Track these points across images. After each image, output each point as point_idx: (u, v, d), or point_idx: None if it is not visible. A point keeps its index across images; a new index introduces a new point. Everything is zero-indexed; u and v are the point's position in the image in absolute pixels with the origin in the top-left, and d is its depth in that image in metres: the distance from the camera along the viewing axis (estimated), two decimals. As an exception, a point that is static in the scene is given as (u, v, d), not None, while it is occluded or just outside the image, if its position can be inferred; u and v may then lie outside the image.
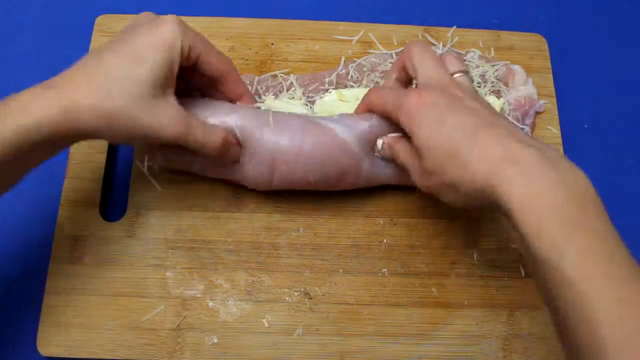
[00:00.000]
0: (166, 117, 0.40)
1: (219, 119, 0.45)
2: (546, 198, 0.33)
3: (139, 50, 0.39)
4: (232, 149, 0.45)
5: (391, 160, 0.47)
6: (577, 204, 0.33)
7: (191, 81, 0.46)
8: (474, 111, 0.39)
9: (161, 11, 0.57)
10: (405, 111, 0.41)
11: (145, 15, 0.43)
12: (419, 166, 0.41)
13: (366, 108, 0.47)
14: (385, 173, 0.48)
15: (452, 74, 0.43)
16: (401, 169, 0.46)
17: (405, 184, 0.48)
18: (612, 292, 0.30)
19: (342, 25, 0.57)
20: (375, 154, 0.47)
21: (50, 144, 0.38)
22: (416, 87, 0.44)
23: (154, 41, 0.40)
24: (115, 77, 0.38)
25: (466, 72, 0.44)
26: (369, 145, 0.47)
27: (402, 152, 0.44)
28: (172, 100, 0.41)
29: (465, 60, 0.54)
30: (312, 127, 0.46)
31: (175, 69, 0.41)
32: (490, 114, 0.40)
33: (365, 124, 0.46)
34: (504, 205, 0.34)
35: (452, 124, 0.38)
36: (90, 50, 0.40)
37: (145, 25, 0.41)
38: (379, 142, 0.46)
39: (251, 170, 0.46)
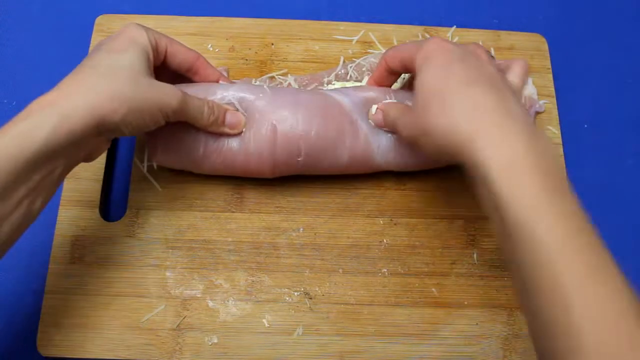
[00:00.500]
0: (166, 88, 0.42)
1: (217, 96, 0.46)
2: (523, 163, 0.34)
3: (114, 47, 0.41)
4: (232, 115, 0.46)
5: (382, 125, 0.47)
6: (550, 172, 0.34)
7: (165, 81, 0.46)
8: (480, 68, 0.40)
9: (161, 11, 0.58)
10: (423, 53, 0.41)
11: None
12: (406, 116, 0.43)
13: (380, 71, 0.47)
14: (383, 145, 0.48)
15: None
16: (391, 131, 0.47)
17: (405, 169, 0.49)
18: (582, 258, 0.32)
19: (342, 25, 0.57)
20: (369, 119, 0.48)
21: (80, 144, 0.38)
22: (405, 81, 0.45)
23: (125, 38, 0.42)
24: (104, 71, 0.40)
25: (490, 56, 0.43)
26: (364, 110, 0.48)
27: (394, 110, 0.45)
28: (161, 80, 0.43)
29: None
30: (306, 91, 0.49)
31: (151, 57, 0.43)
32: (495, 77, 0.39)
33: (361, 94, 0.48)
34: (481, 167, 0.35)
35: (455, 69, 0.39)
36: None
37: (113, 35, 0.43)
38: (373, 107, 0.47)
39: (253, 143, 0.46)
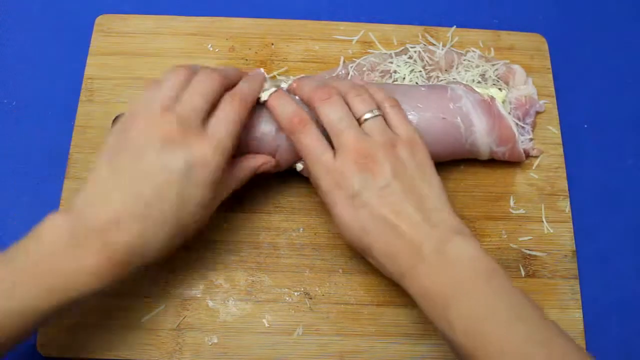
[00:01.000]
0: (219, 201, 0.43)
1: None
2: (432, 290, 0.38)
3: (184, 195, 0.39)
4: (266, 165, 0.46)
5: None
6: (456, 281, 0.38)
7: None
8: (382, 199, 0.40)
9: (161, 11, 0.58)
10: (321, 193, 0.43)
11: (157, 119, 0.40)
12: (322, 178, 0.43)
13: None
14: None
15: (359, 119, 0.43)
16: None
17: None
18: (492, 341, 0.35)
19: (342, 25, 0.57)
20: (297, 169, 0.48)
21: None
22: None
23: (196, 178, 0.39)
24: (157, 221, 0.38)
25: (373, 114, 0.43)
26: None
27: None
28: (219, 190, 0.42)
29: (464, 59, 0.54)
30: None
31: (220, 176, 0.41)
32: (398, 195, 0.40)
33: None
34: (413, 298, 0.40)
35: (361, 221, 0.40)
36: (107, 155, 0.40)
37: (178, 151, 0.39)
38: (299, 165, 0.47)
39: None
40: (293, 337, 0.46)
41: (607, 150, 0.55)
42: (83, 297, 0.36)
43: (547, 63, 0.56)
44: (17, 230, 0.50)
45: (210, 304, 0.47)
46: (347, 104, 0.43)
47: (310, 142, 0.43)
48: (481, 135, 0.48)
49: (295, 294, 0.47)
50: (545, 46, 0.57)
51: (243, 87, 0.44)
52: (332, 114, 0.42)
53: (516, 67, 0.54)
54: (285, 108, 0.44)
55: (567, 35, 0.60)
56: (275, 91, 0.45)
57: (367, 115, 0.43)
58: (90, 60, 0.54)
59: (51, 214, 0.37)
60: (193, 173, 0.39)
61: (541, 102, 0.54)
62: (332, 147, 0.42)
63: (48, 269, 0.36)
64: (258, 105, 0.45)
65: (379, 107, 0.44)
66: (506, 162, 0.51)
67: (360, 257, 0.48)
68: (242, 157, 0.45)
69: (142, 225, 0.37)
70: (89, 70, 0.54)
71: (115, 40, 0.55)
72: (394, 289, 0.48)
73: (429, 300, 0.38)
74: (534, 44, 0.57)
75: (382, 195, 0.40)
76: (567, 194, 0.52)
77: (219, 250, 0.48)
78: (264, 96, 0.45)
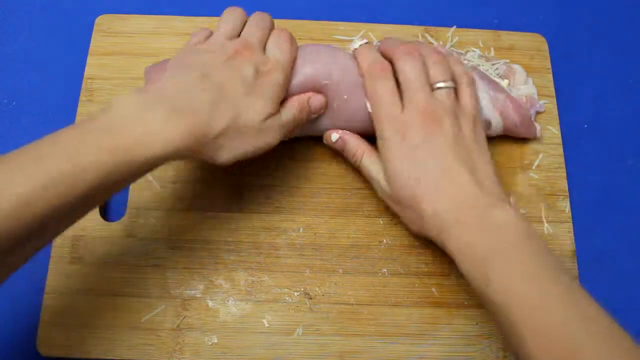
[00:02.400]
0: (274, 128, 0.44)
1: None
2: (474, 247, 0.40)
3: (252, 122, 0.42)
4: (314, 100, 0.47)
5: (339, 151, 0.49)
6: (499, 242, 0.39)
7: None
8: (441, 156, 0.43)
9: (161, 11, 0.58)
10: (382, 142, 0.45)
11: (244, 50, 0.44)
12: (383, 184, 0.46)
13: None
14: None
15: (433, 85, 0.45)
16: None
17: None
18: (529, 301, 0.36)
19: (342, 25, 0.57)
20: (325, 141, 0.49)
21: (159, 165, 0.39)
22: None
23: (263, 111, 0.42)
24: (222, 104, 0.40)
25: (448, 85, 0.45)
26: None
27: (360, 151, 0.48)
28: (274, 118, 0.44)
29: (465, 59, 0.54)
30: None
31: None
32: (455, 157, 0.42)
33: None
34: (450, 254, 0.41)
35: (418, 170, 0.43)
36: (169, 75, 0.42)
37: (253, 56, 0.43)
38: (334, 135, 0.48)
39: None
40: (293, 337, 0.46)
41: (607, 150, 0.55)
42: (148, 163, 0.36)
43: (547, 63, 0.56)
44: (17, 230, 0.50)
45: (210, 304, 0.47)
46: (425, 64, 0.46)
47: (385, 89, 0.45)
48: (487, 103, 0.49)
49: (295, 294, 0.47)
50: (545, 46, 0.57)
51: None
52: (410, 70, 0.45)
53: (516, 66, 0.54)
54: (371, 55, 0.47)
55: (567, 35, 0.60)
56: (366, 43, 0.49)
57: (441, 84, 0.45)
58: (90, 60, 0.54)
59: (123, 94, 0.38)
60: (260, 77, 0.42)
61: (541, 102, 0.54)
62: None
63: (115, 128, 0.36)
64: None
65: (453, 79, 0.46)
66: (510, 166, 0.51)
67: (360, 257, 0.48)
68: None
69: (209, 101, 0.39)
70: (89, 70, 0.54)
71: (115, 40, 0.55)
72: (394, 289, 0.48)
73: (468, 256, 0.40)
74: (534, 44, 0.57)
75: (439, 155, 0.43)
76: (567, 194, 0.52)
77: (219, 250, 0.48)
78: (354, 45, 0.49)
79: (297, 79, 0.46)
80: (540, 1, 0.61)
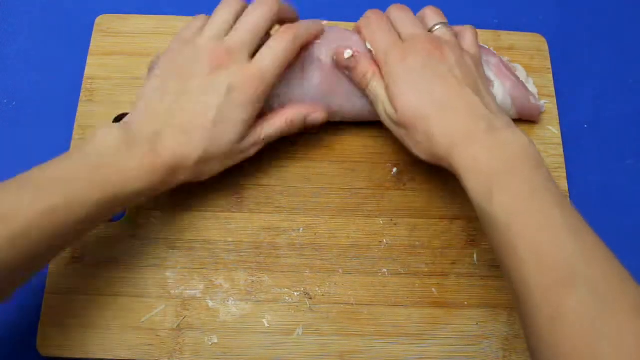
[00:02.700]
0: (247, 144, 0.45)
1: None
2: (481, 162, 0.40)
3: (225, 112, 0.43)
4: (312, 119, 0.48)
5: (343, 70, 0.48)
6: (507, 160, 0.39)
7: None
8: (446, 77, 0.43)
9: (161, 11, 0.58)
10: (386, 68, 0.45)
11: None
12: (388, 108, 0.45)
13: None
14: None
15: (431, 28, 0.47)
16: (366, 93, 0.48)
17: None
18: (530, 220, 0.36)
19: (342, 25, 0.56)
20: (334, 57, 0.48)
21: (139, 200, 0.43)
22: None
23: (238, 101, 0.43)
24: (208, 138, 0.43)
25: (445, 24, 0.47)
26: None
27: (370, 74, 0.47)
28: (252, 130, 0.45)
29: None
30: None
31: (258, 111, 0.45)
32: (460, 80, 0.43)
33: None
34: (456, 171, 0.41)
35: (423, 90, 0.43)
36: (160, 77, 0.45)
37: (225, 77, 0.43)
38: (347, 52, 0.47)
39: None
40: (293, 337, 0.46)
41: (607, 150, 0.55)
42: (133, 195, 0.40)
43: (547, 63, 0.56)
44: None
45: (210, 304, 0.47)
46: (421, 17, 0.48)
47: (383, 27, 0.47)
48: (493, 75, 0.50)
49: (295, 294, 0.47)
50: (545, 46, 0.57)
51: (300, 26, 0.47)
52: (405, 16, 0.47)
53: (517, 65, 0.54)
54: (367, 13, 0.49)
55: (567, 35, 0.60)
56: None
57: (438, 26, 0.47)
58: (90, 60, 0.54)
59: (103, 126, 0.41)
60: (233, 94, 0.43)
61: (542, 102, 0.54)
62: None
63: (102, 164, 0.39)
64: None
65: (456, 34, 0.48)
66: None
67: (360, 257, 0.48)
68: (286, 108, 0.48)
69: (185, 135, 0.42)
70: (89, 70, 0.54)
71: (115, 40, 0.55)
72: (394, 289, 0.48)
73: (474, 171, 0.40)
74: (534, 44, 0.57)
75: (443, 77, 0.43)
76: (567, 194, 0.52)
77: (219, 250, 0.48)
78: None
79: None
80: (540, 1, 0.61)
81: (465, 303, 0.48)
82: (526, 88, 0.52)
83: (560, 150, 0.53)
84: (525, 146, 0.40)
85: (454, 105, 0.42)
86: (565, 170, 0.52)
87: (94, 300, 0.46)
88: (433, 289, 0.48)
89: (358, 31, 0.49)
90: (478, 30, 0.57)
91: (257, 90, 0.43)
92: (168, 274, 0.48)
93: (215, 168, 0.45)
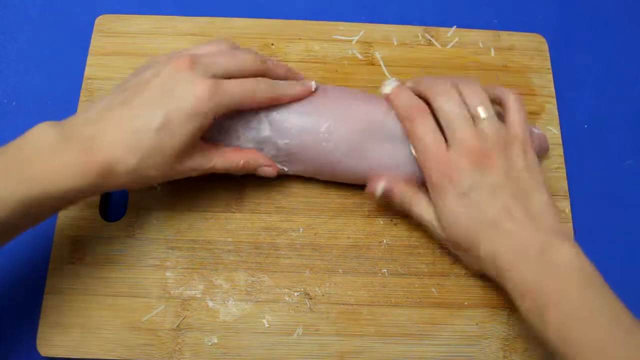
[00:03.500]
0: (193, 163, 0.43)
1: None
2: (533, 286, 0.39)
3: (171, 118, 0.40)
4: (264, 171, 0.47)
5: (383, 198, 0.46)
6: (559, 282, 0.38)
7: None
8: (495, 193, 0.42)
9: (161, 11, 0.58)
10: (431, 184, 0.44)
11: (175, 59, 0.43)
12: (436, 227, 0.45)
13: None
14: None
15: (474, 116, 0.44)
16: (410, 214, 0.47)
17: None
18: (585, 349, 0.36)
19: (342, 25, 0.57)
20: (368, 192, 0.46)
21: (74, 201, 0.41)
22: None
23: (186, 109, 0.41)
24: (147, 145, 0.40)
25: (490, 116, 0.43)
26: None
27: (417, 209, 0.46)
28: (197, 148, 0.43)
29: None
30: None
31: (205, 129, 0.42)
32: (509, 192, 0.42)
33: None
34: (509, 293, 0.41)
35: (472, 213, 0.42)
36: (116, 91, 0.43)
37: (180, 83, 0.41)
38: (379, 185, 0.46)
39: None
40: (293, 337, 0.46)
41: (607, 150, 0.55)
42: (62, 194, 0.38)
43: (547, 63, 0.56)
44: (17, 230, 0.50)
45: (210, 304, 0.47)
46: (463, 97, 0.44)
47: (426, 131, 0.43)
48: None
49: (295, 294, 0.47)
50: (545, 46, 0.57)
51: (279, 84, 0.45)
52: (450, 108, 0.43)
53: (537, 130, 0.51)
54: (405, 97, 0.45)
55: (567, 35, 0.60)
56: (398, 85, 0.46)
57: (483, 115, 0.43)
58: (90, 60, 0.54)
59: (42, 123, 0.39)
60: (184, 103, 0.40)
61: (541, 102, 0.54)
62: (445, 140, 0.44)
63: (31, 160, 0.37)
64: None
65: (498, 101, 0.45)
66: None
67: (360, 257, 0.48)
68: (246, 149, 0.46)
69: (123, 139, 0.39)
70: (89, 70, 0.54)
71: (115, 41, 0.55)
72: (394, 289, 0.48)
73: (526, 299, 0.39)
74: (534, 44, 0.57)
75: (492, 195, 0.41)
76: (567, 194, 0.52)
77: (219, 250, 0.48)
78: (385, 89, 0.46)
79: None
80: (540, 1, 0.61)
81: (465, 303, 0.48)
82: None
83: (560, 150, 0.53)
84: (574, 263, 0.39)
85: (501, 228, 0.41)
86: (565, 170, 0.52)
87: (94, 300, 0.46)
88: (433, 289, 0.48)
89: (402, 122, 0.45)
90: (478, 30, 0.57)
91: (209, 102, 0.41)
92: (168, 274, 0.48)
93: (154, 176, 0.42)
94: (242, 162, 0.45)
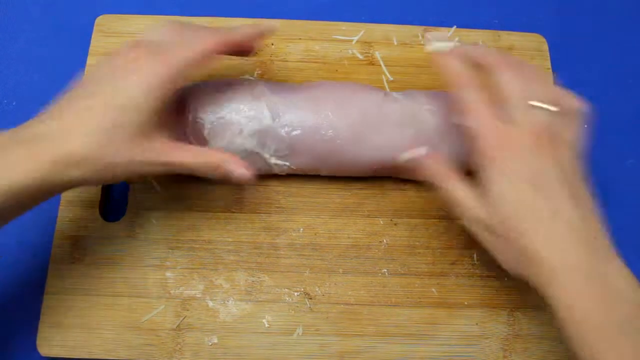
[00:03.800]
0: (155, 151, 0.40)
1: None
2: (583, 316, 0.35)
3: (126, 94, 0.39)
4: (239, 175, 0.43)
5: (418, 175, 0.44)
6: (610, 310, 0.35)
7: None
8: (555, 185, 0.38)
9: (161, 11, 0.58)
10: (482, 148, 0.39)
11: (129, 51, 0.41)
12: (477, 207, 0.40)
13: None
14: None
15: (533, 103, 0.40)
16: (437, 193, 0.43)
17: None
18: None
19: (342, 25, 0.57)
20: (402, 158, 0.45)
21: (37, 197, 0.38)
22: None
23: (140, 82, 0.39)
24: (106, 127, 0.38)
25: (548, 111, 0.40)
26: None
27: (456, 184, 0.41)
28: (160, 136, 0.41)
29: None
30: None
31: (164, 100, 0.40)
32: (569, 190, 0.38)
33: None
34: (550, 308, 0.37)
35: (529, 196, 0.38)
36: (78, 83, 0.42)
37: (131, 62, 0.40)
38: (420, 149, 0.44)
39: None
40: (293, 337, 0.46)
41: (607, 150, 0.55)
42: (14, 189, 0.36)
43: (547, 63, 0.56)
44: (17, 230, 0.50)
45: (210, 304, 0.47)
46: (529, 81, 0.41)
47: (481, 98, 0.40)
48: None
49: (295, 294, 0.47)
50: (545, 46, 0.57)
51: (230, 32, 0.43)
52: (518, 85, 0.40)
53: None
54: (456, 64, 0.42)
55: (567, 35, 0.60)
56: (453, 48, 0.43)
57: (543, 105, 0.40)
58: (90, 60, 0.54)
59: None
60: (138, 79, 0.39)
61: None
62: None
63: None
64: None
65: (559, 105, 0.41)
66: None
67: (360, 257, 0.48)
68: (215, 150, 0.45)
69: (80, 122, 0.38)
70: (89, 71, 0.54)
71: (115, 40, 0.55)
72: (394, 289, 0.48)
73: (574, 322, 0.36)
74: (534, 44, 0.57)
75: (553, 188, 0.38)
76: (567, 194, 0.52)
77: (219, 250, 0.48)
78: (433, 45, 0.43)
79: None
80: (540, 1, 0.61)
81: (465, 303, 0.48)
82: None
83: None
84: (630, 291, 0.36)
85: (556, 230, 0.37)
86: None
87: (94, 300, 0.46)
88: (433, 289, 0.48)
89: (454, 88, 0.42)
90: (478, 30, 0.57)
91: (162, 69, 0.39)
92: (168, 274, 0.48)
93: (118, 163, 0.39)
94: (218, 164, 0.42)
